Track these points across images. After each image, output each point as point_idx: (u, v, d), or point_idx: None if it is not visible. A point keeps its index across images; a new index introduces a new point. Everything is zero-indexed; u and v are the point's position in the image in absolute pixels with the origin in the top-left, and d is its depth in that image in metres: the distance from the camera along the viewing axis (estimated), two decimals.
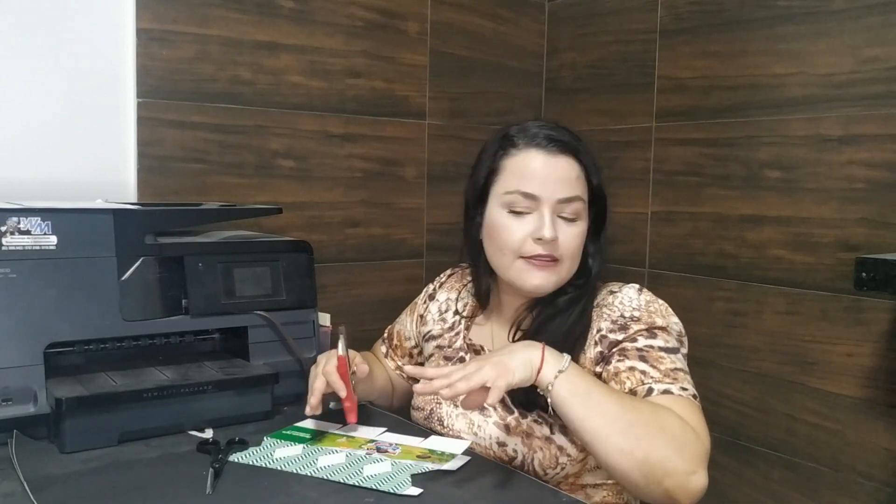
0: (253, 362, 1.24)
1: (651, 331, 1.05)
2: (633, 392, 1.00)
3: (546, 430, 1.07)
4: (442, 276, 1.37)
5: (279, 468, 0.99)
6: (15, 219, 1.06)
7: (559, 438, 1.06)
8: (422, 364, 1.33)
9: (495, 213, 1.12)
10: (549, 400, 0.96)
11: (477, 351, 1.20)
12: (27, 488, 0.91)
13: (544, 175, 1.08)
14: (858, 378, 1.46)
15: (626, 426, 0.91)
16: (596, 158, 1.14)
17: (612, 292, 1.12)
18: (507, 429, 1.10)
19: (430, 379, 0.98)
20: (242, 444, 1.07)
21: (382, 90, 1.76)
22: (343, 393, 1.06)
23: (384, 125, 1.77)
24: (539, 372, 0.95)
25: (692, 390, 1.01)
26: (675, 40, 1.75)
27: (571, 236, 1.09)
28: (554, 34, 2.03)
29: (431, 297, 1.33)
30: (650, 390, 0.99)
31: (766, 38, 1.58)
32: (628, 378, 1.01)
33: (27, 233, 1.06)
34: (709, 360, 1.68)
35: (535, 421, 1.08)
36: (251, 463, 1.01)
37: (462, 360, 1.20)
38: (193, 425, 1.14)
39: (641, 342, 1.04)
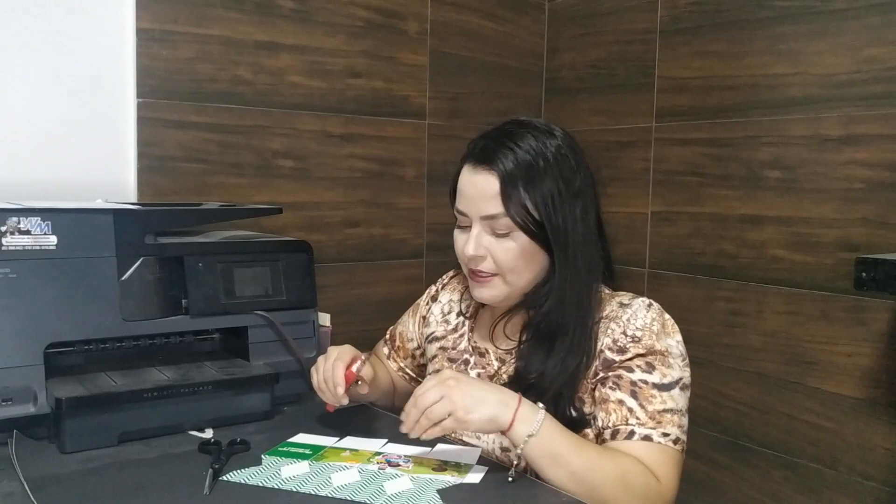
0: (253, 362, 1.24)
1: (649, 361, 1.04)
2: (615, 429, 1.01)
3: None
4: (444, 277, 1.36)
5: (293, 489, 0.94)
6: (15, 219, 1.05)
7: None
8: (424, 366, 1.32)
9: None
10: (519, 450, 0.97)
11: (482, 354, 1.20)
12: (27, 488, 0.91)
13: (469, 193, 1.09)
14: (858, 378, 1.46)
15: (590, 489, 0.96)
16: (527, 174, 1.04)
17: (622, 304, 1.10)
18: None
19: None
20: (244, 445, 1.07)
21: (382, 90, 1.76)
22: (341, 390, 1.09)
23: (384, 125, 1.77)
24: (509, 430, 0.96)
25: (675, 435, 1.01)
26: (675, 40, 1.75)
27: (502, 251, 1.08)
28: (554, 34, 2.03)
29: (434, 299, 1.33)
30: (632, 433, 1.01)
31: (766, 38, 1.58)
32: (615, 411, 1.02)
33: (27, 233, 1.06)
34: (709, 360, 1.68)
35: None
36: (260, 484, 0.95)
37: (467, 361, 1.21)
38: (193, 425, 1.14)
39: (637, 375, 1.03)
